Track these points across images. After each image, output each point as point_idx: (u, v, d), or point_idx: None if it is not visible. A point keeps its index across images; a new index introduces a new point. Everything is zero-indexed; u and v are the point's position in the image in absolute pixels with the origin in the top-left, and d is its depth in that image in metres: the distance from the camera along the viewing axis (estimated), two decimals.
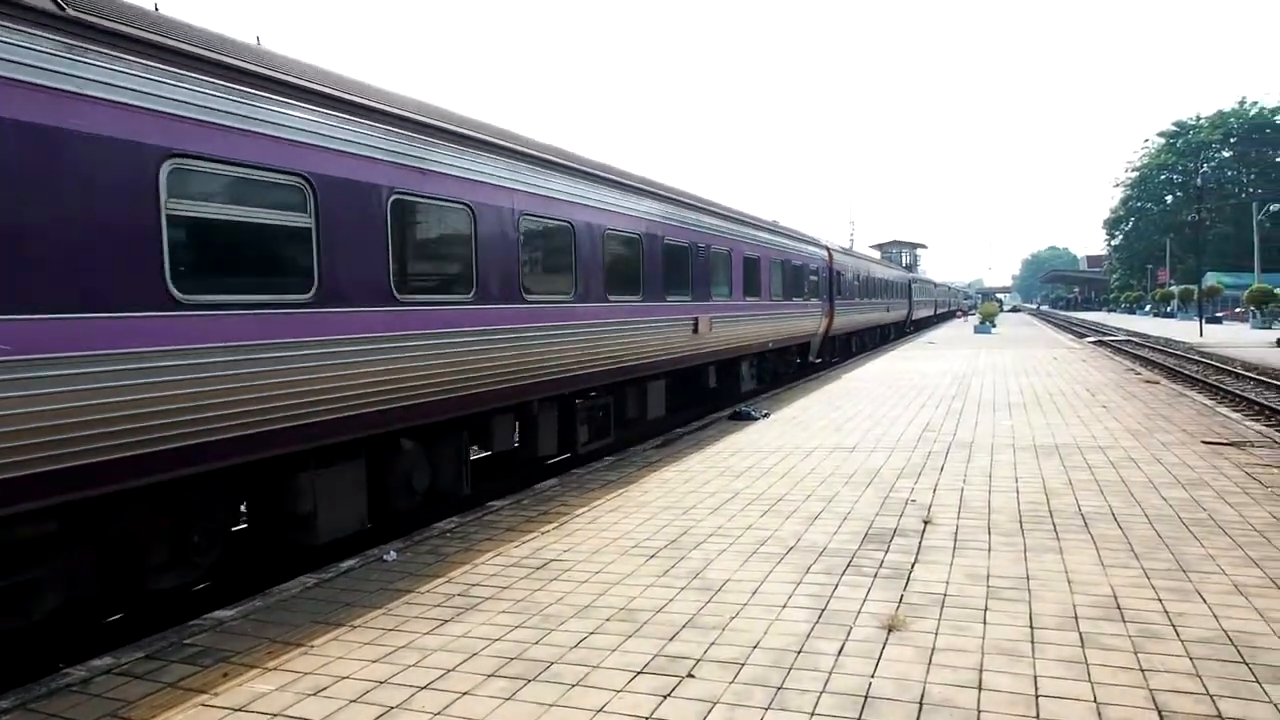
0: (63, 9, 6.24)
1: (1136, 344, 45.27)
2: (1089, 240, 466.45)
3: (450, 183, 9.59)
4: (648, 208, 14.70)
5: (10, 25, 5.94)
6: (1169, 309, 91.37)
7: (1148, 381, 21.96)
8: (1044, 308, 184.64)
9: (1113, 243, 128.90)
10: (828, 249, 32.22)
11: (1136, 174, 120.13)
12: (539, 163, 11.29)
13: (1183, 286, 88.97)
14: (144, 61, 6.66)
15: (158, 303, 6.63)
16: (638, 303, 13.88)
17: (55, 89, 6.10)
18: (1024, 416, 15.83)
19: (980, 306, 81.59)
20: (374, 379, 8.42)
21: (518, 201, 10.73)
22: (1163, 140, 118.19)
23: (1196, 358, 35.50)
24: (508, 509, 9.85)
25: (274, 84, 7.64)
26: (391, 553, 8.30)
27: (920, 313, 73.51)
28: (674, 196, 16.05)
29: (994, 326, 56.83)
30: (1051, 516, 8.85)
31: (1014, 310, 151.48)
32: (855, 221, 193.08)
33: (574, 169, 12.24)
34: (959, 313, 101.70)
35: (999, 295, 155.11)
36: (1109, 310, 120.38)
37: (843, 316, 32.75)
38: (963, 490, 10.06)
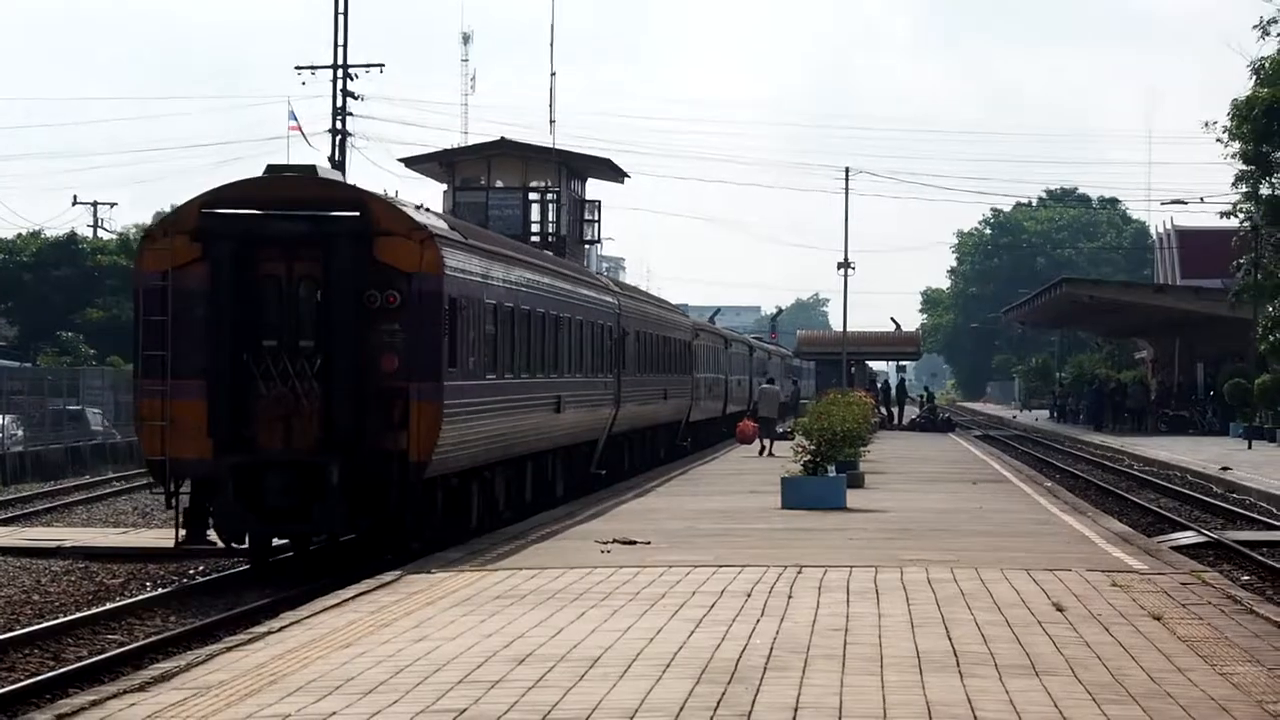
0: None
1: None
2: (1173, 173, 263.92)
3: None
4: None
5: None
6: None
7: None
8: (1034, 413, 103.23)
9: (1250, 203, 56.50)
10: (615, 292, 34.85)
11: None
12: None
13: None
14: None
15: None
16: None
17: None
18: None
19: (814, 408, 33.27)
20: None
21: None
22: None
23: None
24: None
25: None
26: None
27: (706, 404, 50.69)
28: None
29: (842, 484, 25.53)
30: None
31: (926, 415, 70.98)
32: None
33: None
34: (744, 430, 45.76)
35: (878, 368, 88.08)
36: (1247, 430, 54.27)
37: (630, 405, 34.31)
38: None
